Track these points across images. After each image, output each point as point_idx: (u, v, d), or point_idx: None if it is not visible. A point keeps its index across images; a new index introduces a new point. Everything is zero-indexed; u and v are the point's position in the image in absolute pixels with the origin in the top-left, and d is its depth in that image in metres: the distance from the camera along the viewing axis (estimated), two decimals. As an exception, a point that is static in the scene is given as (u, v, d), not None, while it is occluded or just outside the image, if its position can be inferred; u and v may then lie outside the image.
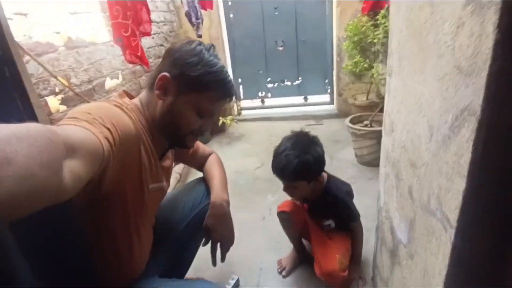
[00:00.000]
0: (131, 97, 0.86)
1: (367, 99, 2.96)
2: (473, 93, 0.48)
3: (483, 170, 0.50)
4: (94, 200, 0.71)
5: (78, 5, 1.78)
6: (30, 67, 1.44)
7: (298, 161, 1.15)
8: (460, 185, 0.53)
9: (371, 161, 2.34)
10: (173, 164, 1.03)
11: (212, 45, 0.84)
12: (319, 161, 1.21)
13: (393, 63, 0.86)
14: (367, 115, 2.48)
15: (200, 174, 1.25)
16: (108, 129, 0.61)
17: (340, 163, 2.50)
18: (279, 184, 1.31)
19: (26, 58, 1.39)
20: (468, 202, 0.53)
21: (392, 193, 0.94)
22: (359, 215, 1.33)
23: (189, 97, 0.79)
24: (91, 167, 0.53)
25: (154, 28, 2.73)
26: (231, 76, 0.88)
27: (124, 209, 0.78)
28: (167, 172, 0.97)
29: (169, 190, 1.10)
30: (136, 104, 0.82)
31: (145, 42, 2.47)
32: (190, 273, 1.26)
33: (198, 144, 1.17)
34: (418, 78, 0.69)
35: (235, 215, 1.16)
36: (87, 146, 0.52)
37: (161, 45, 2.88)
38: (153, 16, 2.73)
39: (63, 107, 1.61)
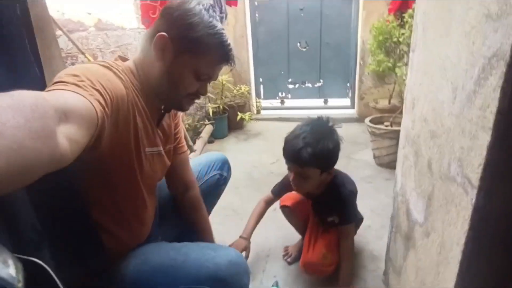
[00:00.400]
0: (125, 60, 0.83)
1: (389, 103, 2.91)
2: (502, 37, 0.46)
3: (509, 119, 0.47)
4: (93, 162, 0.69)
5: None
6: (61, 42, 1.50)
7: (317, 145, 1.07)
8: (484, 139, 0.50)
9: (390, 163, 2.27)
10: (175, 131, 0.99)
11: (211, 5, 0.79)
12: (337, 150, 1.15)
13: (417, 36, 0.84)
14: (388, 116, 2.43)
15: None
16: (98, 90, 0.59)
17: (358, 163, 2.44)
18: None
19: (58, 32, 1.45)
20: (492, 157, 0.50)
21: (410, 173, 0.90)
22: (353, 220, 1.27)
23: (188, 59, 0.76)
24: (87, 131, 0.51)
25: (180, 21, 2.80)
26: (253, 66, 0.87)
27: (122, 172, 0.77)
28: (167, 138, 0.94)
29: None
30: (129, 66, 0.78)
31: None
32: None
33: (187, 161, 1.09)
34: (443, 42, 0.67)
35: (248, 205, 1.15)
36: (79, 110, 0.50)
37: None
38: (181, 10, 2.81)
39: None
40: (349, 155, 2.59)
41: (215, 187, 1.24)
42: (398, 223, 1.03)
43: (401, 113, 2.37)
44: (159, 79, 0.78)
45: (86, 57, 1.58)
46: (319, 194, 1.26)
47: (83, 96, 0.54)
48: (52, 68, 1.22)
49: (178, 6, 0.75)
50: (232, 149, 2.91)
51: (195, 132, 3.03)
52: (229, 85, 3.13)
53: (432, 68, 0.73)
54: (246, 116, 3.04)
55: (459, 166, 0.59)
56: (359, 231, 1.49)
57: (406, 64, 2.45)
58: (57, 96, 0.50)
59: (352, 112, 3.54)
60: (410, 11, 2.15)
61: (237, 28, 3.41)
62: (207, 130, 2.76)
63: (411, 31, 2.12)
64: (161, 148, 0.90)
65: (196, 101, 3.00)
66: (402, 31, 2.16)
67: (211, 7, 0.78)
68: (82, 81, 0.57)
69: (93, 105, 0.54)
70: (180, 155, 1.05)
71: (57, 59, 1.23)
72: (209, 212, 1.27)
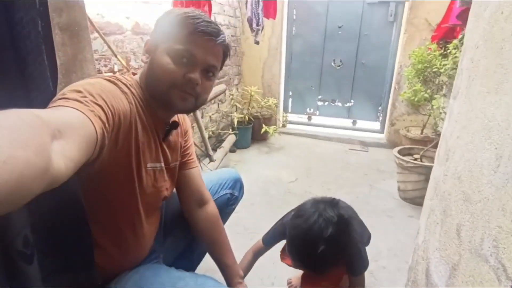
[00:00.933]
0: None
1: (422, 133, 2.76)
2: None
3: None
4: (92, 176, 0.68)
5: (152, -6, 1.89)
6: (97, 44, 1.54)
7: (334, 247, 0.89)
8: (528, 228, 0.43)
9: (415, 198, 2.14)
10: (181, 146, 0.97)
11: (197, 10, 0.79)
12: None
13: (461, 83, 0.76)
14: (418, 148, 2.30)
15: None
16: (100, 106, 0.58)
17: (380, 193, 2.32)
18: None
19: (95, 35, 1.49)
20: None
21: (434, 230, 0.82)
22: (365, 269, 1.09)
23: (162, 46, 0.74)
24: (84, 147, 0.50)
25: (216, 29, 2.82)
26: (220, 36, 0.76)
27: (121, 187, 0.75)
28: (173, 154, 0.91)
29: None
30: (136, 80, 0.79)
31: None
32: (200, 271, 1.23)
33: (199, 175, 1.05)
34: (490, 99, 0.59)
35: (261, 224, 1.09)
36: (76, 126, 0.49)
37: (221, 46, 2.96)
38: (219, 19, 2.83)
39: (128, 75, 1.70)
40: (372, 183, 2.48)
41: (224, 207, 1.19)
42: (416, 279, 0.94)
43: (433, 147, 2.26)
44: (147, 78, 0.77)
45: (118, 59, 1.61)
46: None
47: (83, 113, 0.53)
48: (83, 71, 1.24)
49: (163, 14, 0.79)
50: (252, 161, 2.88)
51: (218, 140, 3.03)
52: (257, 96, 3.11)
53: (473, 125, 0.66)
54: (271, 129, 3.00)
55: (494, 247, 0.51)
56: (372, 271, 1.39)
57: (445, 95, 2.32)
58: (52, 113, 0.49)
59: (381, 137, 3.40)
60: (455, 41, 2.03)
61: (273, 40, 3.39)
62: (230, 139, 2.74)
63: (454, 62, 2.00)
64: (163, 165, 0.87)
65: (222, 109, 2.99)
66: (444, 62, 2.04)
67: (197, 10, 0.78)
68: (84, 96, 0.57)
69: (92, 122, 0.53)
70: (191, 169, 1.02)
71: (88, 62, 1.24)
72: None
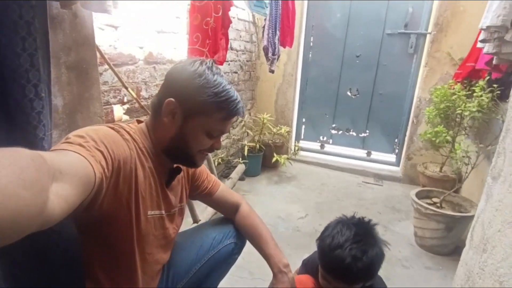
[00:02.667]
0: (140, 123, 0.87)
1: (441, 171, 2.62)
2: None
3: None
4: (91, 219, 0.71)
5: (167, 24, 1.87)
6: (107, 75, 1.50)
7: (367, 259, 0.87)
8: None
9: (433, 247, 2.00)
10: (186, 194, 1.02)
11: (213, 61, 0.83)
12: (383, 259, 0.94)
13: (503, 166, 0.66)
14: (438, 191, 2.16)
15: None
16: (101, 152, 0.62)
17: (395, 237, 2.18)
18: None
19: (105, 66, 1.45)
20: None
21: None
22: None
23: (198, 120, 0.79)
24: (82, 191, 0.52)
25: (232, 56, 2.80)
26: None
27: (118, 233, 0.77)
28: (177, 198, 0.95)
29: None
30: (141, 128, 0.83)
31: (220, 67, 2.52)
32: None
33: (224, 189, 1.14)
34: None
35: (266, 267, 1.04)
36: (76, 170, 0.52)
37: (235, 72, 2.93)
38: (235, 44, 2.81)
39: (126, 117, 1.65)
40: (386, 224, 2.34)
41: (228, 256, 1.15)
42: None
43: (456, 191, 2.12)
44: (172, 142, 0.81)
45: (128, 91, 1.57)
46: None
47: (84, 157, 0.56)
48: (89, 110, 1.20)
49: (182, 70, 0.79)
50: (261, 191, 2.78)
51: (227, 166, 2.95)
52: (269, 125, 3.04)
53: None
54: (282, 159, 2.91)
55: None
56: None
57: (467, 136, 2.19)
58: (55, 155, 0.53)
59: (397, 170, 3.26)
60: (481, 82, 1.93)
61: (288, 66, 3.34)
62: (239, 169, 2.67)
63: (479, 105, 1.89)
64: (164, 212, 0.89)
65: (233, 135, 2.96)
66: (469, 104, 1.93)
67: (213, 64, 0.81)
68: (87, 141, 0.61)
69: (92, 166, 0.57)
70: (216, 193, 1.10)
71: (95, 100, 1.21)
72: (216, 285, 1.17)
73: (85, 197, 0.55)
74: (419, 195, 2.10)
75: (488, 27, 1.10)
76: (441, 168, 2.63)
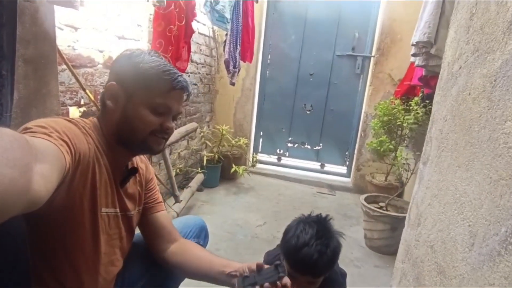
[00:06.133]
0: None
1: (386, 180, 2.86)
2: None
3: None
4: (37, 218, 0.68)
5: (128, 31, 1.88)
6: (64, 76, 1.46)
7: (329, 252, 0.94)
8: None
9: (381, 247, 2.16)
10: (142, 199, 0.96)
11: (152, 50, 0.85)
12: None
13: (431, 151, 0.79)
14: (384, 196, 2.36)
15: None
16: (65, 142, 0.61)
17: (347, 240, 2.27)
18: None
19: (63, 66, 1.42)
20: None
21: (407, 297, 0.80)
22: None
23: (139, 97, 0.78)
24: (58, 173, 0.52)
25: (192, 68, 2.84)
26: (184, 80, 0.83)
27: (71, 229, 0.74)
28: (131, 200, 0.91)
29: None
30: (94, 122, 0.81)
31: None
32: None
33: (168, 216, 1.05)
34: (461, 175, 0.61)
35: None
36: (52, 153, 0.53)
37: (195, 84, 2.97)
38: (195, 57, 2.86)
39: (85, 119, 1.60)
40: (339, 229, 2.45)
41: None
42: None
43: (398, 196, 2.33)
44: (119, 126, 0.79)
45: (86, 93, 1.54)
46: None
47: (55, 144, 0.56)
48: (46, 106, 1.16)
49: (122, 56, 0.82)
50: (220, 202, 2.79)
51: (185, 177, 2.93)
52: (228, 136, 3.09)
53: (445, 196, 0.67)
54: (240, 169, 2.96)
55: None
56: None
57: (407, 146, 2.45)
58: (31, 138, 0.52)
59: (347, 181, 3.48)
60: (416, 98, 2.19)
61: (247, 81, 3.47)
62: (198, 179, 2.66)
63: (415, 117, 2.15)
64: (119, 211, 0.86)
65: (192, 146, 2.92)
66: (407, 116, 2.18)
67: (153, 51, 0.83)
68: (51, 132, 0.60)
69: (62, 153, 0.57)
70: (158, 213, 1.01)
71: (53, 97, 1.17)
72: (177, 285, 1.14)
73: (59, 181, 0.53)
74: (367, 200, 2.27)
75: (417, 43, 1.31)
76: (386, 177, 2.87)
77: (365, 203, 2.18)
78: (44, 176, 0.44)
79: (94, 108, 1.66)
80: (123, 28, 1.83)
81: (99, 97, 0.86)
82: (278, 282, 0.74)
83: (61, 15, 1.38)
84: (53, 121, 0.65)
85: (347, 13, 3.24)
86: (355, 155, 3.39)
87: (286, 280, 0.75)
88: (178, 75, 0.81)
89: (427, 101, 2.10)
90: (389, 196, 2.31)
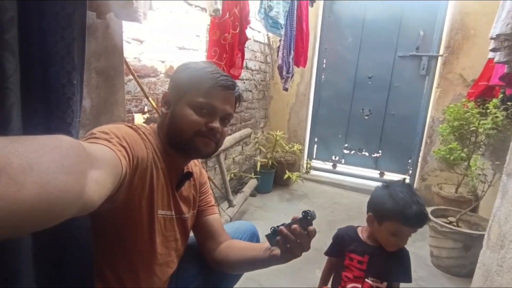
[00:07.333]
0: None
1: (456, 192, 2.57)
2: None
3: None
4: (105, 216, 0.73)
5: (188, 41, 1.98)
6: (131, 85, 1.59)
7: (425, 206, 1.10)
8: None
9: (450, 268, 1.94)
10: (196, 202, 1.00)
11: (206, 61, 0.89)
12: None
13: (517, 161, 0.68)
14: (454, 210, 2.12)
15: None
16: (124, 147, 0.65)
17: (411, 257, 2.11)
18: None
19: (130, 77, 1.54)
20: None
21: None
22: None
23: (185, 97, 0.81)
24: (113, 180, 0.54)
25: (247, 75, 2.89)
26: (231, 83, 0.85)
27: (129, 231, 0.78)
28: (186, 204, 0.94)
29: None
30: (154, 129, 0.87)
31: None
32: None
33: (220, 219, 1.07)
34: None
35: (276, 280, 1.03)
36: (109, 160, 0.55)
37: (250, 90, 3.02)
38: (250, 64, 2.91)
39: (146, 125, 1.72)
40: (401, 244, 2.28)
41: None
42: None
43: (472, 210, 2.07)
44: (169, 128, 0.83)
45: (149, 101, 1.64)
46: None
47: (113, 150, 0.60)
48: (113, 113, 1.27)
49: (178, 67, 0.89)
50: (273, 208, 2.77)
51: (239, 182, 2.97)
52: (282, 141, 3.07)
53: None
54: (294, 176, 2.91)
55: None
56: None
57: (483, 155, 2.17)
58: (90, 144, 0.56)
59: (411, 192, 3.21)
60: (495, 100, 1.94)
61: (301, 86, 3.43)
62: (251, 184, 2.68)
63: (494, 122, 1.89)
64: (174, 213, 0.89)
65: (246, 151, 2.97)
66: (483, 121, 1.93)
67: (206, 61, 0.90)
68: (112, 138, 0.65)
69: (119, 159, 0.60)
70: (210, 216, 1.04)
71: (119, 105, 1.27)
72: (232, 286, 1.16)
73: (114, 187, 0.57)
74: (434, 213, 2.06)
75: (498, 36, 1.14)
76: (456, 189, 2.58)
77: (432, 217, 1.97)
78: (97, 182, 0.46)
79: (156, 115, 1.77)
80: (183, 39, 1.94)
81: (160, 104, 0.90)
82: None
83: (129, 30, 1.50)
84: (115, 127, 0.70)
85: (410, 11, 3.02)
86: (419, 164, 3.11)
87: (312, 228, 0.78)
88: (222, 75, 0.83)
89: (508, 103, 1.84)
90: (460, 210, 2.07)
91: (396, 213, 1.07)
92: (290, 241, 0.76)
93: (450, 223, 1.99)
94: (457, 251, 1.86)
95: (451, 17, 2.77)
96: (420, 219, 1.06)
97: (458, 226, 1.95)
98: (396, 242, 1.11)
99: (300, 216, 0.79)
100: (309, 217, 0.78)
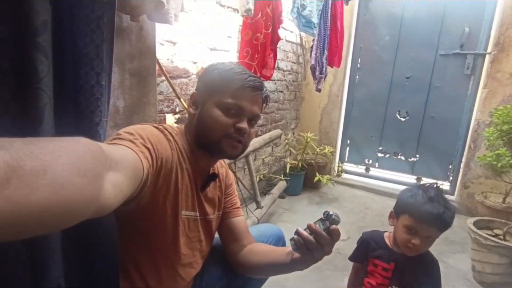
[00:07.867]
0: None
1: (504, 202, 2.36)
2: None
3: None
4: (130, 216, 0.74)
5: (219, 43, 1.99)
6: (163, 86, 1.63)
7: (451, 212, 1.05)
8: None
9: (495, 285, 1.78)
10: (221, 204, 1.00)
11: (234, 61, 0.88)
12: None
13: None
14: (500, 222, 1.95)
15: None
16: (148, 148, 0.66)
17: (449, 271, 1.98)
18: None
19: (162, 78, 1.58)
20: None
21: None
22: None
23: (212, 98, 0.81)
24: (132, 182, 0.54)
25: (279, 75, 2.87)
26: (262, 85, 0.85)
27: (153, 231, 0.79)
28: (210, 205, 0.94)
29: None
30: (181, 129, 0.87)
31: (267, 85, 2.59)
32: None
33: (244, 221, 1.04)
34: None
35: (300, 279, 1.00)
36: (129, 162, 0.55)
37: (281, 91, 2.99)
38: (282, 65, 2.89)
39: (175, 125, 1.76)
40: (439, 256, 2.12)
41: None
42: None
43: (521, 223, 1.89)
44: (197, 129, 0.83)
45: (180, 101, 1.67)
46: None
47: (135, 152, 0.61)
48: (145, 113, 1.30)
49: (206, 67, 0.89)
50: (302, 210, 2.72)
51: (268, 183, 2.96)
52: (312, 143, 3.01)
53: None
54: (324, 179, 2.84)
55: None
56: None
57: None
58: (110, 146, 0.56)
59: (451, 199, 3.00)
60: (551, 103, 1.76)
61: (334, 87, 3.34)
62: (280, 186, 2.65)
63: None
64: (198, 214, 0.89)
65: (276, 153, 2.94)
66: (537, 125, 1.76)
67: (234, 62, 0.88)
68: (136, 138, 0.66)
69: (141, 161, 0.60)
70: (235, 218, 1.03)
71: (151, 105, 1.30)
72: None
73: (134, 189, 0.57)
74: (477, 225, 1.91)
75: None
76: (504, 199, 2.37)
77: (474, 228, 1.83)
78: (115, 185, 0.46)
79: (187, 115, 1.80)
80: (215, 40, 1.95)
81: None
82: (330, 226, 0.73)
83: (162, 32, 1.54)
84: (141, 128, 0.71)
85: (453, 7, 2.83)
86: (461, 170, 2.91)
87: (335, 228, 0.74)
88: (250, 76, 0.82)
89: None
90: (508, 222, 1.89)
91: (411, 206, 1.05)
92: (308, 242, 0.73)
93: (496, 236, 1.83)
94: (504, 267, 1.71)
95: (501, 12, 2.56)
96: (436, 218, 1.01)
97: (505, 239, 1.79)
98: (411, 240, 1.06)
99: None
100: (328, 217, 0.74)
